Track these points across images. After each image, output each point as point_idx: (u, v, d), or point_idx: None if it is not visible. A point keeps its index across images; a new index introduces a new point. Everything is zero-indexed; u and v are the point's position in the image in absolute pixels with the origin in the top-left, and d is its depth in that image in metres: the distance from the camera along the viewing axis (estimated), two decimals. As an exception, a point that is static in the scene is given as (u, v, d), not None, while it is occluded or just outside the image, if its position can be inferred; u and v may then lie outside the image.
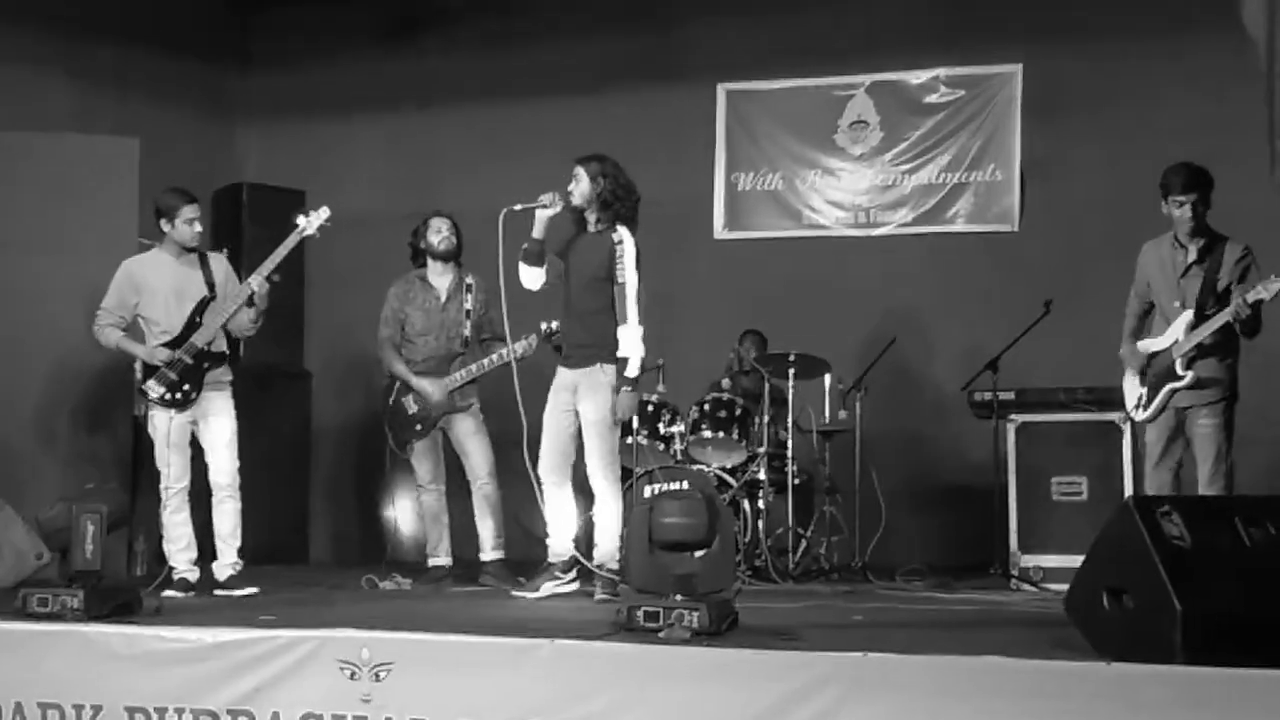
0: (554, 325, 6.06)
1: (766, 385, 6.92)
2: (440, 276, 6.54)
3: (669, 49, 8.62)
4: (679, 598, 3.99)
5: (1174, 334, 5.34)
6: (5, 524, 5.83)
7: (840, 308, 8.01)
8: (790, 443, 6.84)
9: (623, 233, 5.68)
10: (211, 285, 5.92)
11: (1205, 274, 5.32)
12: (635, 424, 6.41)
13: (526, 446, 5.68)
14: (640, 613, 3.94)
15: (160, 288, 5.87)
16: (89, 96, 8.12)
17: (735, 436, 6.79)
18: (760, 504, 6.71)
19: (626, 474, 6.02)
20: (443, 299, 6.50)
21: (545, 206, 5.64)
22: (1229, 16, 6.59)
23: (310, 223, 5.93)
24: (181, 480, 5.85)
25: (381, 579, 6.29)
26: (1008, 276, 7.78)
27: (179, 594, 5.68)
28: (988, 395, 6.55)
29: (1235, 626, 3.38)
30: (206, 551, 5.98)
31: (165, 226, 5.88)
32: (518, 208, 5.64)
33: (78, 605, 4.23)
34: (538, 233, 5.67)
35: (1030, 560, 6.28)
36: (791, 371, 6.85)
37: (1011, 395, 6.56)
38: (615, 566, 5.59)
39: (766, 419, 6.84)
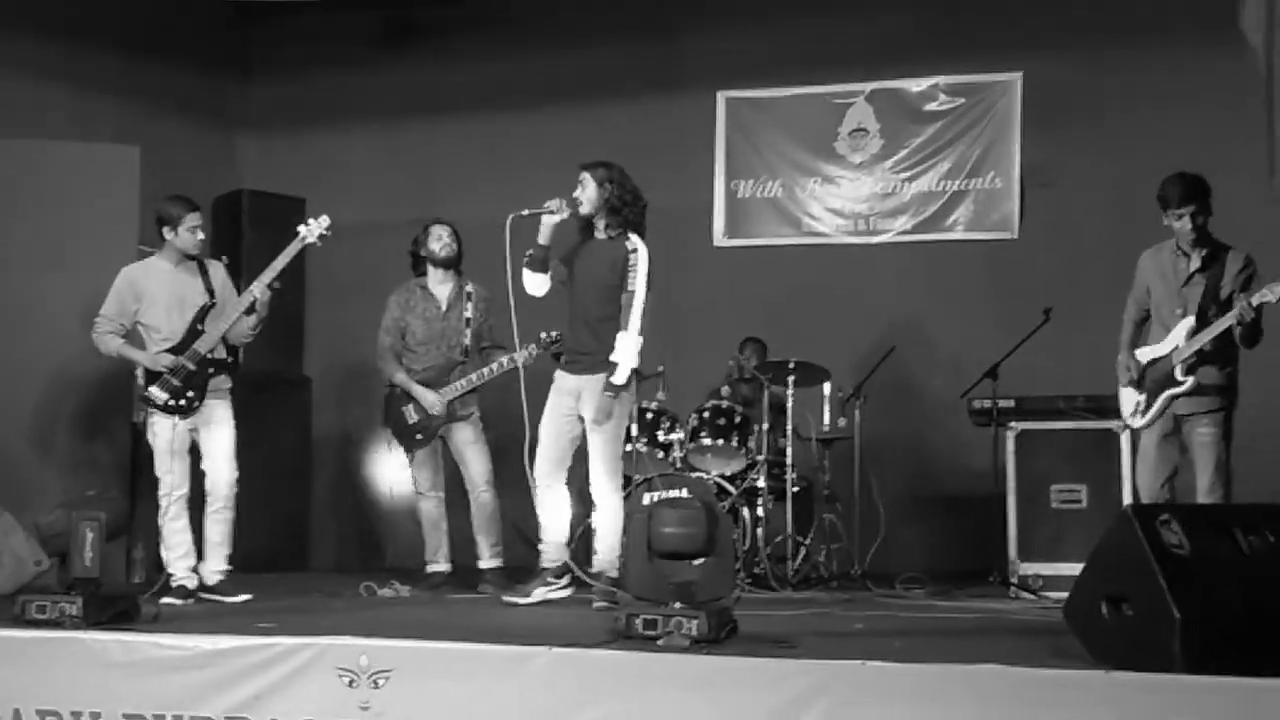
0: (554, 334, 6.06)
1: (766, 393, 6.92)
2: (441, 285, 6.54)
3: (669, 57, 8.63)
4: (678, 605, 3.98)
5: (1174, 340, 5.32)
6: (4, 531, 5.84)
7: (840, 315, 8.02)
8: (790, 450, 6.83)
9: (636, 241, 5.66)
10: (211, 292, 5.90)
11: (1208, 282, 5.29)
12: (634, 431, 6.40)
13: (528, 456, 5.66)
14: (639, 620, 3.94)
15: (160, 295, 5.86)
16: (89, 104, 8.12)
17: (735, 444, 6.80)
18: (759, 511, 6.71)
19: (626, 481, 6.01)
20: (443, 308, 6.50)
21: (552, 212, 5.60)
22: (1228, 25, 6.62)
23: (311, 231, 5.92)
24: (181, 488, 5.83)
25: (380, 586, 6.29)
26: (1007, 284, 7.78)
27: (178, 601, 5.66)
28: (987, 403, 6.54)
29: (1234, 635, 3.38)
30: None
31: (168, 234, 5.86)
32: (525, 213, 5.61)
33: (76, 612, 4.24)
34: (543, 239, 5.65)
35: (1029, 568, 6.25)
36: (791, 379, 6.84)
37: (1011, 403, 6.54)
38: (615, 574, 5.58)
39: (766, 426, 6.84)
